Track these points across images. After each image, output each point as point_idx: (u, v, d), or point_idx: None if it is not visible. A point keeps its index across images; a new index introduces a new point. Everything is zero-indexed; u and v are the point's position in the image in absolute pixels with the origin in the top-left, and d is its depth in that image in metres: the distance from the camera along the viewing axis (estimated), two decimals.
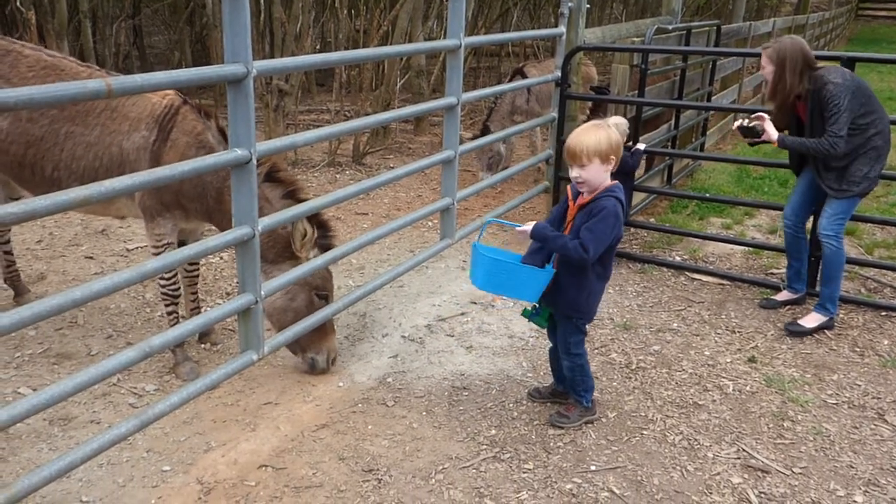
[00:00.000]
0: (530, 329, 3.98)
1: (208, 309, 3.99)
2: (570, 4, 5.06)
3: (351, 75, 9.95)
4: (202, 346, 3.88)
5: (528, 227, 2.90)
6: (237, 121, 2.69)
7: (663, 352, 3.79)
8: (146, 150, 3.39)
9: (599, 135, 2.77)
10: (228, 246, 2.78)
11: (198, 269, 3.99)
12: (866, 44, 23.71)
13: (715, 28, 7.12)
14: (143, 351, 2.49)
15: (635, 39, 5.23)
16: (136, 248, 5.19)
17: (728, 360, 3.71)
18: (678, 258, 5.19)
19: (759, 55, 4.04)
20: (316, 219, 3.42)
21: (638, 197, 5.65)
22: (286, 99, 7.41)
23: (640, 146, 4.91)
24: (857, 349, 3.88)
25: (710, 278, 4.84)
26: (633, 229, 5.55)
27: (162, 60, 13.74)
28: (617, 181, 2.90)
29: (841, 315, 4.29)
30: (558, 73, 5.12)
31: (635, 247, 5.40)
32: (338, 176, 7.51)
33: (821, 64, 3.95)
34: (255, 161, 2.73)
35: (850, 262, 4.51)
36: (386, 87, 8.44)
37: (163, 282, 3.61)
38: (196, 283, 4.00)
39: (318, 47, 13.67)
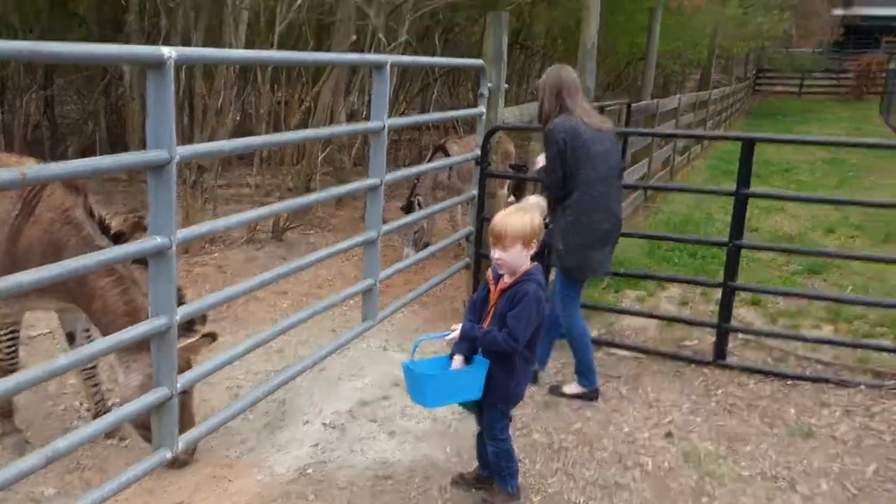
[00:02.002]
0: (452, 411, 3.97)
1: (116, 402, 3.84)
2: (489, 85, 5.24)
3: (272, 150, 9.95)
4: (109, 441, 3.71)
5: (456, 332, 2.95)
6: (158, 207, 2.63)
7: (584, 430, 3.84)
8: (6, 224, 3.23)
9: (524, 219, 2.85)
10: (144, 338, 2.70)
11: (95, 364, 3.81)
12: (763, 116, 25.34)
13: (625, 106, 7.51)
14: (45, 457, 2.37)
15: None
16: (39, 335, 4.97)
17: (646, 436, 3.79)
18: (595, 332, 5.30)
19: (673, 136, 4.27)
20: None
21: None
22: (205, 175, 7.33)
23: None
24: (767, 419, 4.02)
25: (626, 352, 4.96)
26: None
27: (74, 131, 13.40)
28: (537, 263, 2.99)
29: (750, 385, 4.46)
30: (478, 152, 5.27)
31: None
32: (256, 253, 7.42)
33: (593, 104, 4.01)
34: (174, 249, 2.68)
35: (755, 332, 4.73)
36: (307, 162, 8.47)
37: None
38: (96, 377, 3.82)
39: (238, 119, 13.69)
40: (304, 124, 8.35)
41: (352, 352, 4.82)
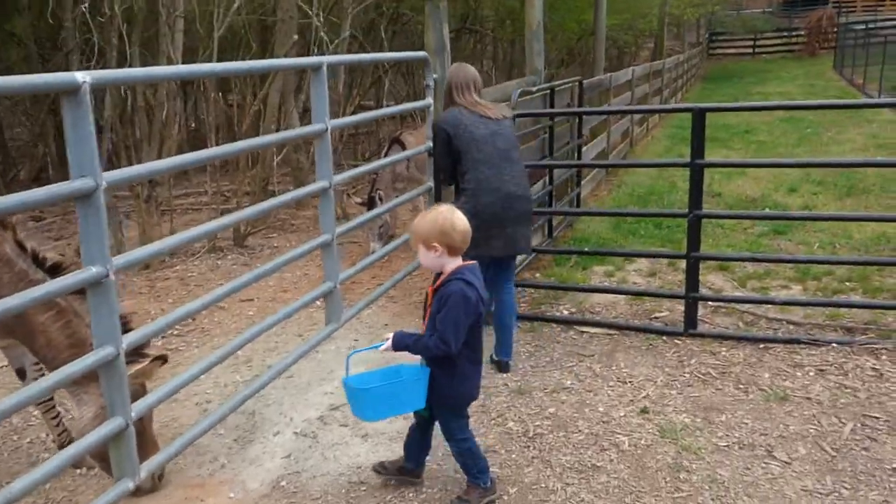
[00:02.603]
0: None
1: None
2: (434, 76, 5.15)
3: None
4: (78, 471, 3.59)
5: (388, 341, 2.88)
6: (89, 236, 2.51)
7: (559, 413, 3.80)
8: None
9: (426, 220, 2.80)
10: (90, 369, 2.59)
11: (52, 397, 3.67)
12: (718, 80, 25.53)
13: (577, 83, 7.45)
14: (4, 498, 2.26)
15: (501, 105, 5.36)
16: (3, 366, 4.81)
17: (622, 414, 3.75)
18: (566, 312, 5.28)
19: (622, 112, 4.26)
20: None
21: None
22: (157, 189, 7.16)
23: None
24: (741, 386, 4.01)
25: (597, 329, 4.93)
26: (518, 288, 5.61)
27: (25, 154, 13.10)
28: (473, 262, 2.90)
29: (723, 352, 4.45)
30: (430, 144, 5.18)
31: (523, 304, 5.46)
32: (219, 262, 7.28)
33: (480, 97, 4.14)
34: (112, 277, 2.57)
35: (722, 299, 4.72)
36: (262, 165, 8.32)
37: None
38: (54, 408, 3.69)
39: (193, 125, 13.44)
40: (256, 127, 8.20)
41: (320, 355, 4.74)
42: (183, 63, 6.87)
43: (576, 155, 7.46)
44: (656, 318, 5.08)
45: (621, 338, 4.78)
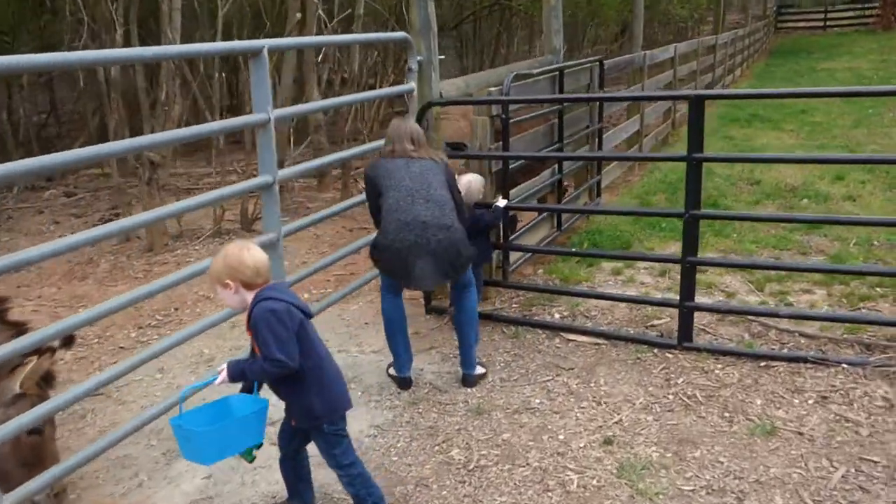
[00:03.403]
0: (364, 427, 3.59)
1: None
2: (418, 58, 4.76)
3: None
4: None
5: (223, 373, 2.61)
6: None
7: (512, 440, 3.41)
8: None
9: (216, 259, 2.64)
10: None
11: None
12: (786, 55, 24.20)
13: (598, 63, 6.91)
14: None
15: (492, 89, 4.93)
16: None
17: (582, 445, 3.34)
18: (557, 315, 4.86)
19: (613, 99, 3.85)
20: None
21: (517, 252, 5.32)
22: (158, 171, 6.99)
23: (501, 202, 4.61)
24: (727, 413, 3.55)
25: (585, 338, 4.50)
26: (508, 289, 5.21)
27: (78, 126, 13.25)
28: (274, 282, 2.70)
29: (716, 371, 3.98)
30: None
31: (514, 306, 5.06)
32: (222, 247, 7.08)
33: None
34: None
35: (715, 310, 4.24)
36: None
37: None
38: None
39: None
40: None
41: None
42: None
43: (596, 141, 6.97)
44: (653, 325, 4.63)
45: (609, 349, 4.35)
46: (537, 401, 3.79)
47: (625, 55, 9.65)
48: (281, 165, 8.12)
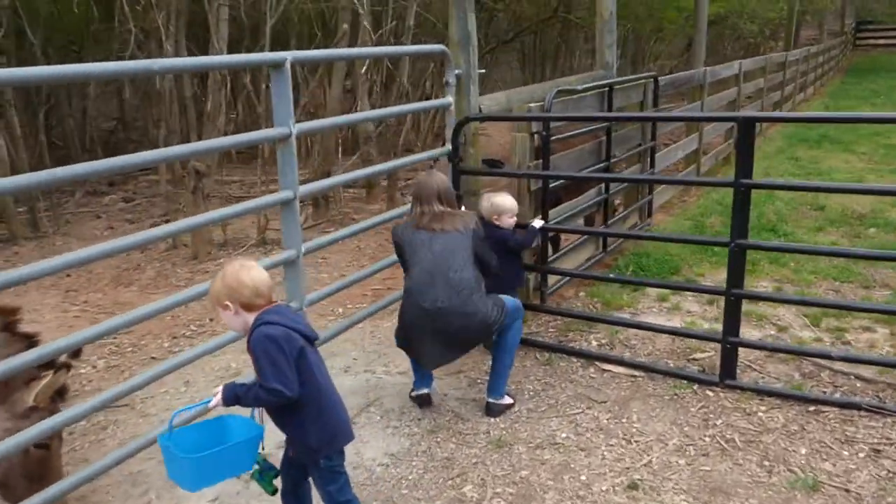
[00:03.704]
0: (377, 455, 3.44)
1: None
2: (456, 72, 4.63)
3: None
4: None
5: (218, 395, 2.51)
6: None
7: (531, 478, 3.22)
8: None
9: (216, 279, 2.53)
10: None
11: None
12: (864, 73, 23.22)
13: (652, 80, 6.66)
14: None
15: (532, 105, 4.76)
16: None
17: (604, 489, 3.13)
18: (595, 343, 4.64)
19: (668, 120, 3.62)
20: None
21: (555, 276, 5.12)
22: (204, 180, 7.04)
23: (536, 223, 4.43)
24: (767, 462, 3.28)
25: (622, 369, 4.27)
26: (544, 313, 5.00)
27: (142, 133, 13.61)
28: (277, 304, 2.57)
29: (759, 413, 3.70)
30: (449, 146, 4.67)
31: (551, 330, 4.86)
32: (265, 257, 7.07)
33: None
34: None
35: (760, 347, 3.96)
36: (323, 156, 8.08)
37: None
38: None
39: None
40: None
41: None
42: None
43: (648, 160, 6.71)
44: (695, 359, 4.36)
45: (646, 382, 4.11)
46: (563, 435, 3.58)
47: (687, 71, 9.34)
48: (328, 175, 8.16)
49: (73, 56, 10.95)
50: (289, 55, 3.33)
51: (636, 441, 3.52)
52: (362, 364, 4.54)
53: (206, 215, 3.29)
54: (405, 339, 3.71)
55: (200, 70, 6.74)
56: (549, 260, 4.96)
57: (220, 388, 2.52)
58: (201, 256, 7.25)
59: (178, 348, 5.16)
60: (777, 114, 6.84)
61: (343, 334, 4.67)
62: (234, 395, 2.49)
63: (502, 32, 12.76)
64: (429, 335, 3.56)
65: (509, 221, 4.15)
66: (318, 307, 5.64)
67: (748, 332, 4.70)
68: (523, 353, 4.49)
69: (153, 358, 5.01)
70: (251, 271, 2.53)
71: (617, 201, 6.97)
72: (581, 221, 6.25)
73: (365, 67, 7.25)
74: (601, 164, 5.76)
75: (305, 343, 2.52)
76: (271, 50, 7.14)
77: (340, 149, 8.42)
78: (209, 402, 2.54)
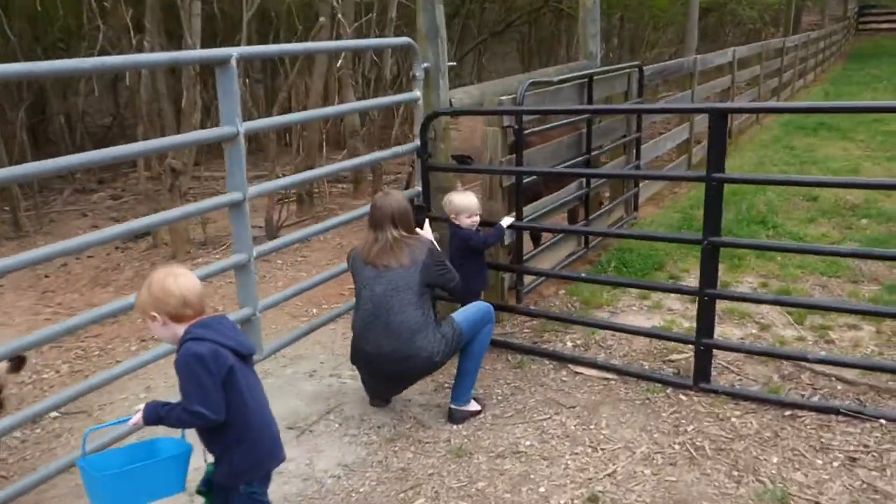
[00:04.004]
0: (330, 466, 3.31)
1: None
2: (424, 65, 4.47)
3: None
4: None
5: (139, 414, 2.36)
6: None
7: (487, 490, 3.08)
8: None
9: (143, 287, 2.37)
10: None
11: None
12: (866, 58, 22.88)
13: (637, 69, 6.48)
14: None
15: (504, 98, 4.60)
16: None
17: (562, 502, 2.99)
18: (570, 344, 4.50)
19: (638, 112, 3.43)
20: None
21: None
22: (181, 178, 6.90)
23: (505, 221, 4.29)
24: (737, 472, 3.13)
25: (594, 372, 4.13)
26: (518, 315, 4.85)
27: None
28: (210, 316, 2.41)
29: (733, 419, 3.55)
30: (417, 142, 4.52)
31: (526, 331, 4.71)
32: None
33: None
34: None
35: (734, 349, 3.81)
36: (307, 152, 7.93)
37: None
38: None
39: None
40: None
41: (270, 380, 4.22)
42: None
43: (634, 152, 6.54)
44: (671, 360, 4.21)
45: (618, 385, 3.96)
46: (527, 443, 3.44)
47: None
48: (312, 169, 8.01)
49: (62, 53, 10.82)
50: (234, 51, 3.18)
51: (602, 449, 3.38)
52: (329, 368, 4.41)
53: (147, 219, 3.17)
54: (359, 369, 3.74)
55: (137, 69, 6.58)
56: (527, 257, 4.82)
57: (143, 406, 2.38)
58: (180, 256, 7.12)
59: (145, 352, 5.03)
60: (750, 105, 6.61)
61: (312, 335, 4.54)
62: (156, 415, 2.35)
63: (492, 23, 12.55)
64: (373, 375, 3.65)
65: (467, 221, 4.01)
66: (291, 307, 5.53)
67: (729, 330, 4.56)
68: (495, 356, 4.35)
69: (118, 361, 4.89)
70: (178, 279, 2.37)
71: (606, 194, 6.82)
72: (564, 216, 6.10)
73: (340, 61, 7.09)
74: (581, 158, 5.60)
75: (236, 360, 2.36)
76: (248, 45, 7.00)
77: (325, 144, 8.27)
78: (129, 419, 2.41)
